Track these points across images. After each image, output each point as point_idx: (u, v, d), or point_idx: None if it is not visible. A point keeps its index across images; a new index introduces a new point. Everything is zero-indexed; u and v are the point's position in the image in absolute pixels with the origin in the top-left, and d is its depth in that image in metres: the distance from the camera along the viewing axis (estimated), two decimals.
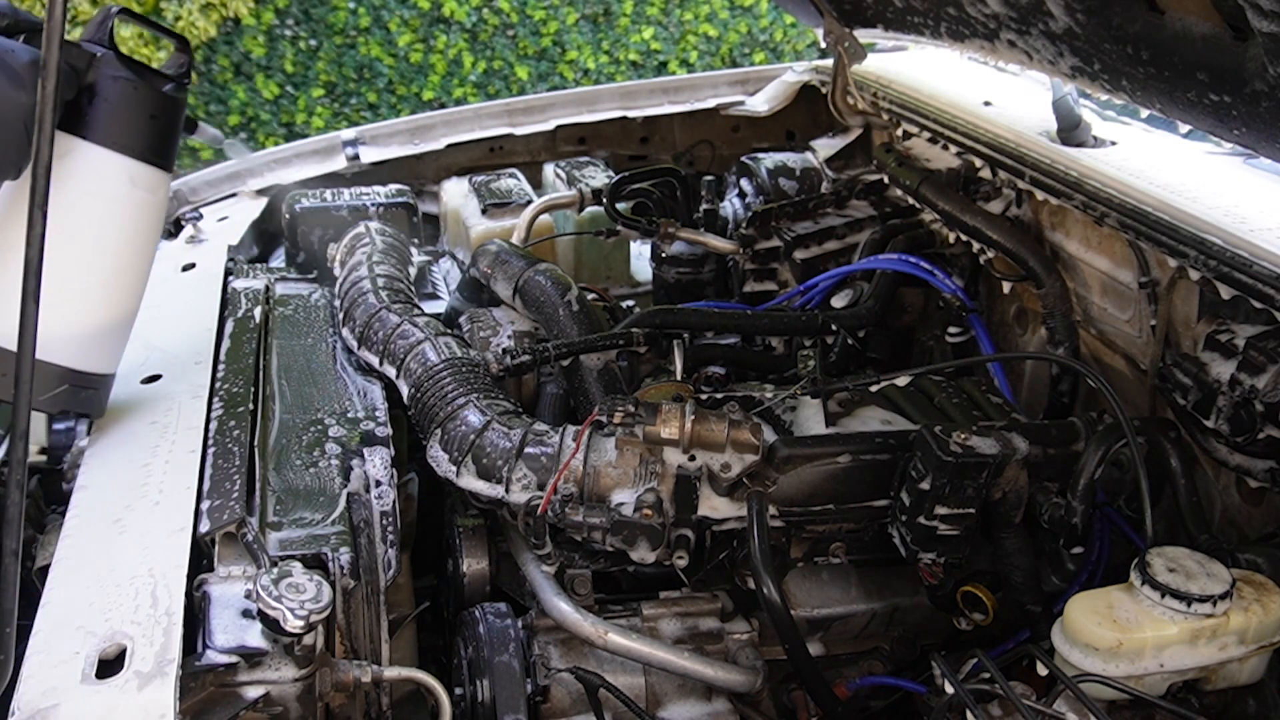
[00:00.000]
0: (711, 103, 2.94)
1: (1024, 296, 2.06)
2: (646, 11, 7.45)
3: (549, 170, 2.79)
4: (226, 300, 1.92)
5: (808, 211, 2.36)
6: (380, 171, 2.70)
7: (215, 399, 1.58)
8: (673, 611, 1.61)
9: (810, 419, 1.69)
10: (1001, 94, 2.28)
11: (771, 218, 2.34)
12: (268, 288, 1.98)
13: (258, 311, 1.87)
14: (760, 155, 2.58)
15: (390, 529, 1.44)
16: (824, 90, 2.65)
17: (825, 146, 2.61)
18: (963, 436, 1.47)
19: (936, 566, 1.58)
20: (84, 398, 1.41)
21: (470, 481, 1.55)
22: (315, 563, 1.28)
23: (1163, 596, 1.24)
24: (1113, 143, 1.98)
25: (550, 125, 2.85)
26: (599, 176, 2.57)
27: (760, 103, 2.90)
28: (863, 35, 2.38)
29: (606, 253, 2.64)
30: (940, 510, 1.48)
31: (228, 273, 2.03)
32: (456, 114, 2.85)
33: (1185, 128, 1.74)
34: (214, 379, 1.63)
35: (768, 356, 2.21)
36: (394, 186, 2.47)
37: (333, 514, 1.38)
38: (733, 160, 2.67)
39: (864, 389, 1.73)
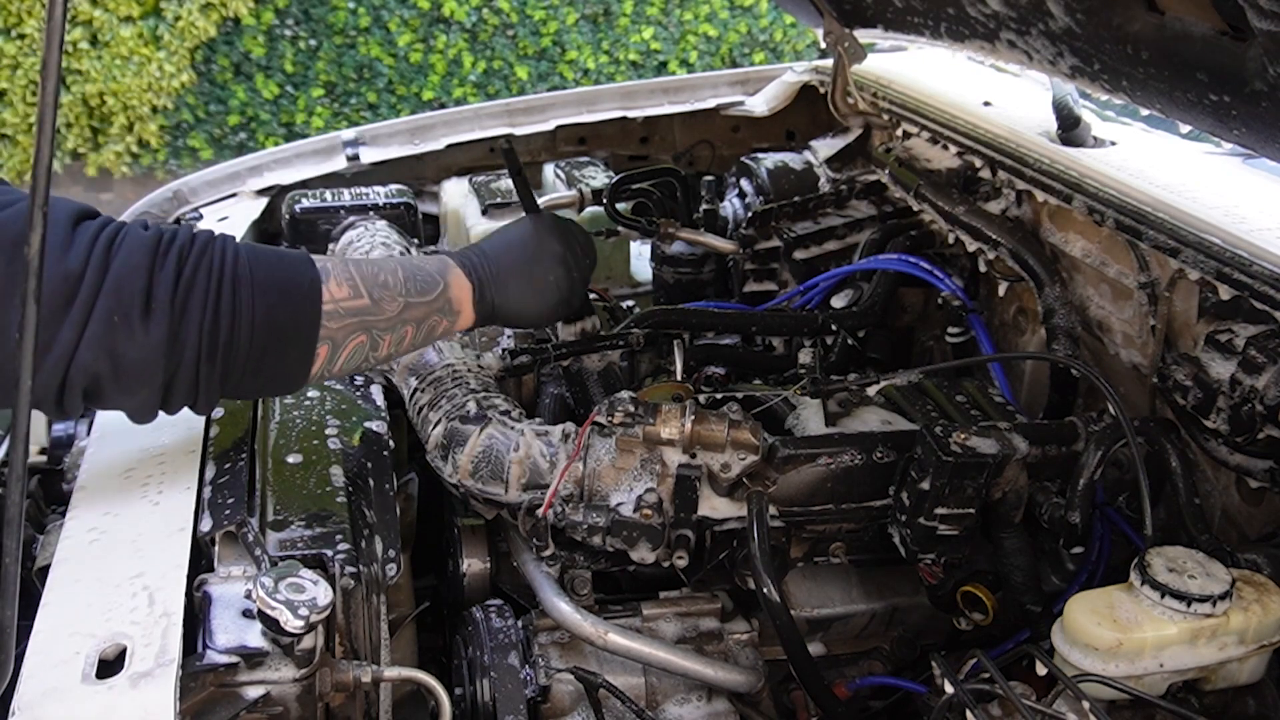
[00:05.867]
0: (711, 103, 2.93)
1: (1024, 297, 2.06)
2: (646, 11, 7.46)
3: (549, 170, 2.78)
4: None
5: (808, 211, 2.36)
6: (380, 171, 2.69)
7: None
8: (673, 611, 1.61)
9: (810, 419, 1.69)
10: (1001, 94, 2.28)
11: (771, 218, 2.34)
12: None
13: None
14: (760, 155, 2.58)
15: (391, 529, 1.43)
16: (824, 90, 2.65)
17: (825, 146, 2.61)
18: (963, 436, 1.47)
19: (936, 566, 1.58)
20: None
21: (470, 482, 1.55)
22: (315, 563, 1.28)
23: (1163, 596, 1.24)
24: (1113, 143, 1.98)
25: (550, 125, 2.84)
26: (599, 176, 2.56)
27: (760, 103, 2.89)
28: (863, 35, 2.38)
29: (607, 253, 2.64)
30: (940, 510, 1.48)
31: None
32: (456, 114, 2.84)
33: (1185, 128, 1.74)
34: None
35: (768, 356, 2.21)
36: (394, 186, 2.46)
37: (333, 514, 1.38)
38: (733, 160, 2.67)
39: (864, 389, 1.73)
